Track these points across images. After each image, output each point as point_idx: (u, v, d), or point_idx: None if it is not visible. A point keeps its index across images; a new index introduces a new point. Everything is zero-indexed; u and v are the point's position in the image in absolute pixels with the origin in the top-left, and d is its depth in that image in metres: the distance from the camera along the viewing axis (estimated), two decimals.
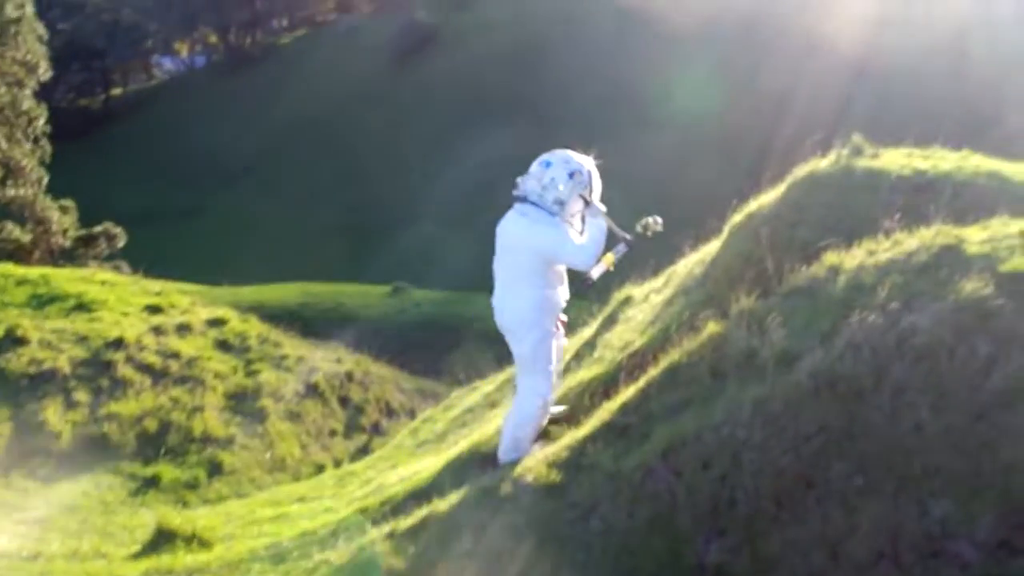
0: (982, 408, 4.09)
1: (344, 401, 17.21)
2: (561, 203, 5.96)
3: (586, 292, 6.70)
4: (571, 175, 5.97)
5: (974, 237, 5.05)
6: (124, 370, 14.90)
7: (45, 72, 32.96)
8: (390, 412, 17.84)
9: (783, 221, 7.12)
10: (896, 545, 4.03)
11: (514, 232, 6.12)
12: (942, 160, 7.28)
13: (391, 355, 20.43)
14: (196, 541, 7.79)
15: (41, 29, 33.51)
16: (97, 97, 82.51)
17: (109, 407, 13.91)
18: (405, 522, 5.81)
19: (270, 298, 29.30)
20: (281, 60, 77.30)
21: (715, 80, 48.05)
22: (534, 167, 6.06)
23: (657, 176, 42.48)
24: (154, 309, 17.84)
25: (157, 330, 16.58)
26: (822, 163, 7.39)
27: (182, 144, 66.33)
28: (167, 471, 12.86)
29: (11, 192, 31.93)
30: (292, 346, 18.39)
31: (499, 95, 58.41)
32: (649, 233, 6.29)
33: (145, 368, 15.19)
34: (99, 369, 14.80)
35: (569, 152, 6.10)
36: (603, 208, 6.18)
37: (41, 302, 17.39)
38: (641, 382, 5.73)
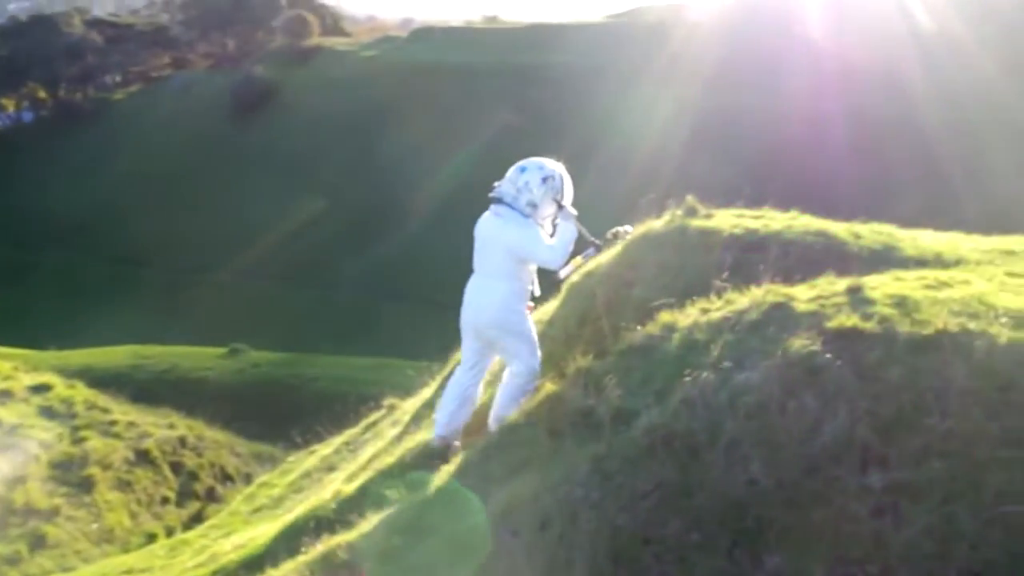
0: (812, 462, 4.15)
1: (177, 467, 16.63)
2: (534, 205, 6.36)
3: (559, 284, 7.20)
4: (544, 180, 6.38)
5: (802, 295, 5.18)
6: None
7: None
8: (225, 478, 17.35)
9: (619, 280, 7.22)
10: None
11: (488, 231, 6.52)
12: (772, 220, 7.49)
13: (227, 419, 19.96)
14: None
15: None
16: None
17: None
18: None
19: (100, 362, 28.35)
20: (115, 116, 75.63)
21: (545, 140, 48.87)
22: (510, 172, 6.46)
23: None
24: None
25: None
26: (657, 223, 7.51)
27: (10, 201, 63.90)
28: None
29: None
30: (122, 411, 17.71)
31: (339, 150, 58.38)
32: (619, 241, 6.89)
33: None
34: None
35: (544, 159, 6.50)
36: (574, 212, 6.50)
37: None
38: (480, 443, 5.67)
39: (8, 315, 43.73)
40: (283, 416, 20.42)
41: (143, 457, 16.15)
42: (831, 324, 4.71)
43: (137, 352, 30.65)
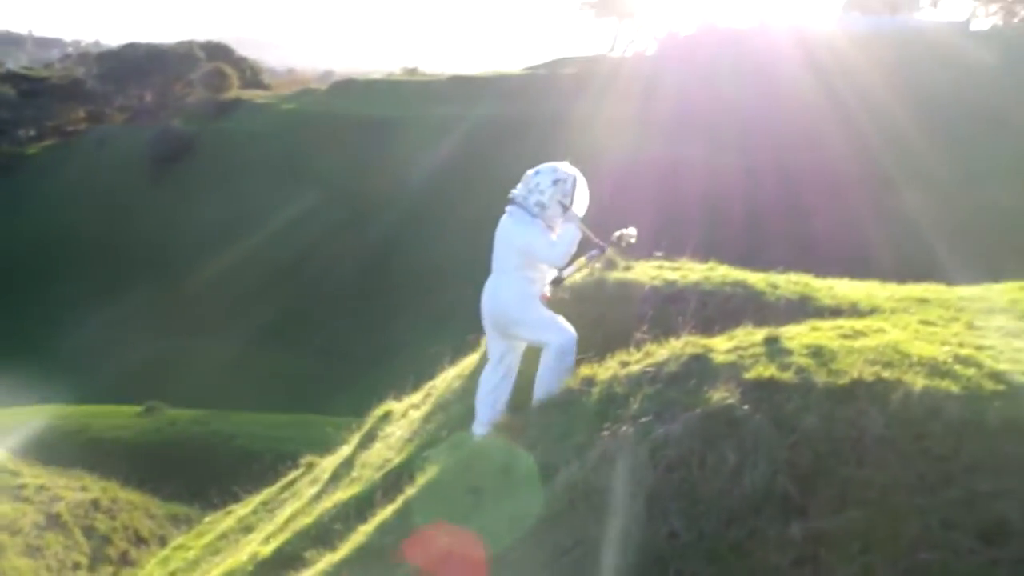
0: (733, 514, 4.14)
1: (89, 531, 16.11)
2: (542, 206, 6.53)
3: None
4: (555, 182, 6.55)
5: (721, 346, 5.20)
6: None
7: None
8: (139, 541, 16.85)
9: None
10: None
11: (501, 231, 6.72)
12: (690, 271, 7.55)
13: (142, 479, 19.41)
14: None
15: None
16: None
17: None
18: None
19: (9, 424, 27.49)
20: (30, 170, 74.04)
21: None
22: (527, 174, 6.68)
23: (419, 292, 42.77)
24: None
25: None
26: (576, 276, 7.52)
27: None
28: None
29: None
30: (32, 475, 17.19)
31: (260, 202, 58.05)
32: (624, 244, 7.03)
33: None
34: None
35: (559, 163, 6.69)
36: (579, 215, 6.63)
37: None
38: (399, 502, 5.58)
39: None
40: (200, 476, 19.94)
41: (54, 521, 15.65)
42: (749, 375, 4.74)
43: (50, 412, 29.81)
